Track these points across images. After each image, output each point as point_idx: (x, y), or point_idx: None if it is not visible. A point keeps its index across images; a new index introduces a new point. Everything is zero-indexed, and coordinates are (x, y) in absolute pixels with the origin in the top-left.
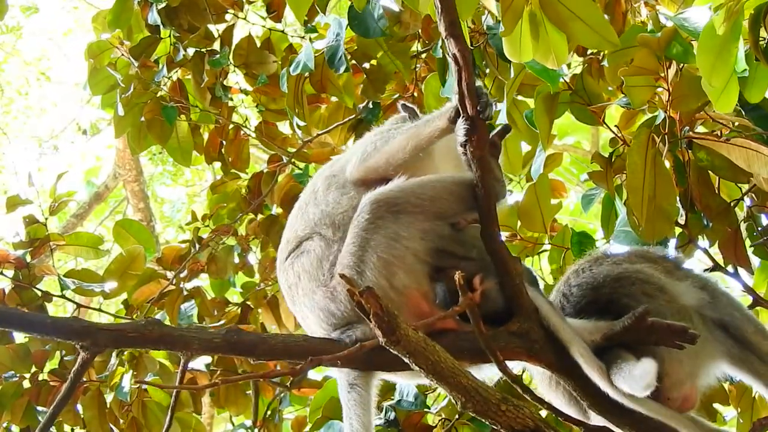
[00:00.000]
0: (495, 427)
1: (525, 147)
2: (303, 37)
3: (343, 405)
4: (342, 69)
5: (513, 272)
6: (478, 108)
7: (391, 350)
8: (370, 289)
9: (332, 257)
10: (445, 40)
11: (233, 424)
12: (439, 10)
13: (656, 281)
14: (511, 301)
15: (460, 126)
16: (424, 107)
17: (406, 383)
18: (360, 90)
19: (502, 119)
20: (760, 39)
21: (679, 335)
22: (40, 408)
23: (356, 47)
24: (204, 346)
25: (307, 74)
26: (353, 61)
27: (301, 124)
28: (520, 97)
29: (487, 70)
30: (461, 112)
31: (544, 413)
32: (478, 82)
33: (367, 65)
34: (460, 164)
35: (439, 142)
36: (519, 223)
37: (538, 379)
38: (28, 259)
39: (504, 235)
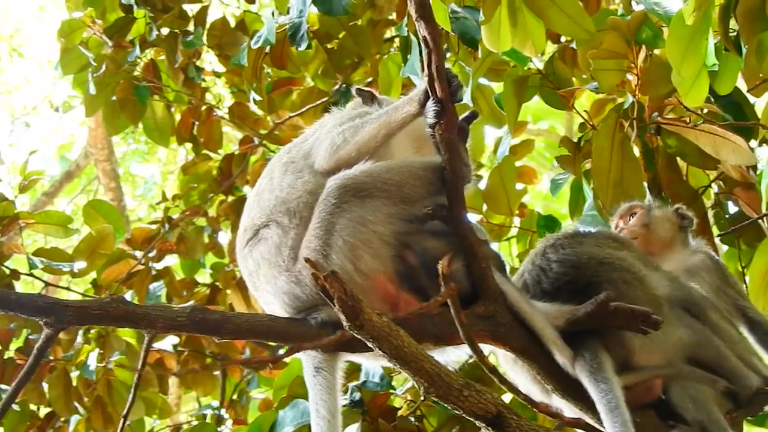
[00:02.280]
0: (457, 412)
1: (497, 132)
2: (273, 15)
3: (309, 389)
4: (304, 46)
5: (480, 255)
6: (454, 90)
7: (355, 335)
8: (334, 273)
9: (291, 243)
10: (416, 22)
11: (200, 405)
12: None
13: (637, 270)
14: (478, 284)
15: (430, 108)
16: (379, 87)
17: (372, 365)
18: (321, 70)
19: (466, 101)
20: (730, 30)
21: (642, 320)
22: (3, 386)
23: (319, 27)
24: (169, 325)
25: (268, 50)
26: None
27: (258, 98)
28: (485, 82)
29: (448, 55)
30: (430, 94)
31: (506, 398)
32: (448, 65)
33: (331, 46)
34: (419, 146)
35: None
36: (485, 207)
37: (502, 355)
38: None
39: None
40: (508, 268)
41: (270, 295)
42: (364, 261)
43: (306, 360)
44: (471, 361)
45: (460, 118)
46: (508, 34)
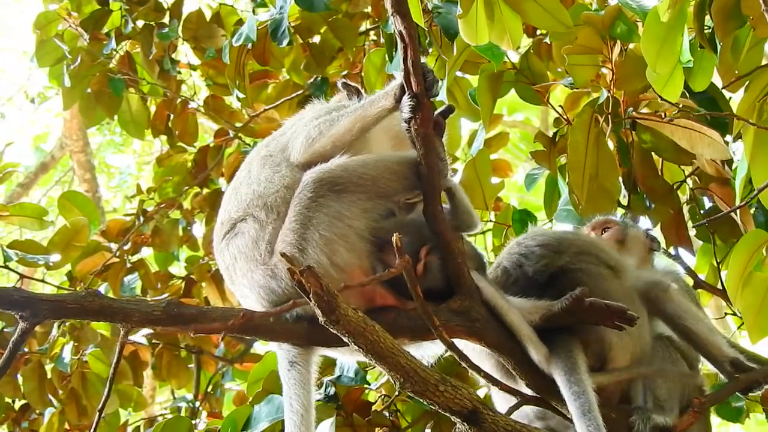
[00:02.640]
0: (433, 408)
1: (472, 125)
2: (254, 12)
3: (283, 383)
4: (285, 42)
5: (455, 250)
6: (430, 84)
7: (331, 329)
8: (310, 268)
9: (268, 237)
10: (391, 17)
11: (174, 397)
12: None
13: (610, 258)
14: (453, 279)
15: (405, 103)
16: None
17: (347, 359)
18: (303, 65)
19: (442, 96)
20: (705, 27)
21: (617, 316)
22: None
23: (300, 22)
24: (144, 318)
25: (249, 46)
26: (299, 38)
27: (241, 96)
28: (462, 75)
29: (431, 49)
30: (406, 89)
31: (480, 393)
32: (423, 60)
33: (311, 40)
34: (398, 143)
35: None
36: None
37: (470, 346)
38: None
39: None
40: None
41: (246, 288)
42: (340, 255)
43: (280, 354)
44: (447, 355)
45: (436, 112)
46: (485, 28)
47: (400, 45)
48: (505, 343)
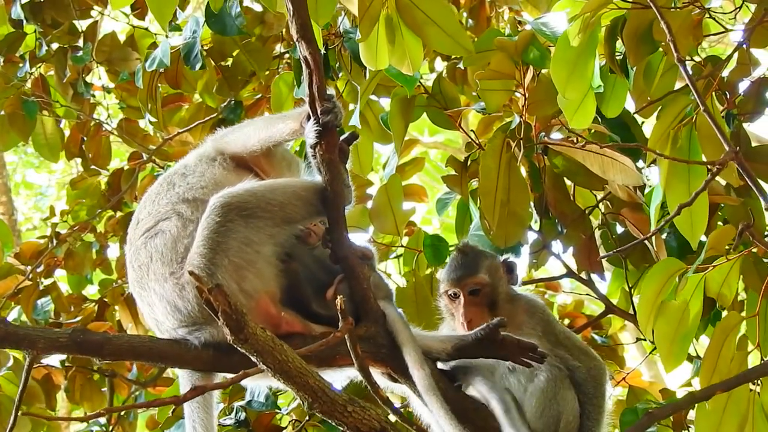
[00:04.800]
0: (342, 428)
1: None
2: (168, 36)
3: (186, 407)
4: (198, 66)
5: (361, 277)
6: (325, 111)
7: (239, 348)
8: (219, 286)
9: (187, 241)
10: (296, 43)
11: (87, 422)
12: (291, 13)
13: None
14: (360, 305)
15: (311, 128)
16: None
17: (252, 384)
18: (216, 88)
19: (354, 121)
20: (617, 52)
21: (528, 353)
22: None
23: (213, 45)
24: (50, 345)
25: (162, 70)
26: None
27: (153, 120)
28: (374, 98)
29: (341, 74)
30: (311, 115)
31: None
32: (330, 90)
33: (224, 63)
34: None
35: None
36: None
37: None
38: None
39: (358, 237)
40: (394, 296)
41: (156, 296)
42: (248, 281)
43: (183, 377)
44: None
45: (341, 138)
46: (386, 52)
47: (305, 70)
48: (408, 370)
